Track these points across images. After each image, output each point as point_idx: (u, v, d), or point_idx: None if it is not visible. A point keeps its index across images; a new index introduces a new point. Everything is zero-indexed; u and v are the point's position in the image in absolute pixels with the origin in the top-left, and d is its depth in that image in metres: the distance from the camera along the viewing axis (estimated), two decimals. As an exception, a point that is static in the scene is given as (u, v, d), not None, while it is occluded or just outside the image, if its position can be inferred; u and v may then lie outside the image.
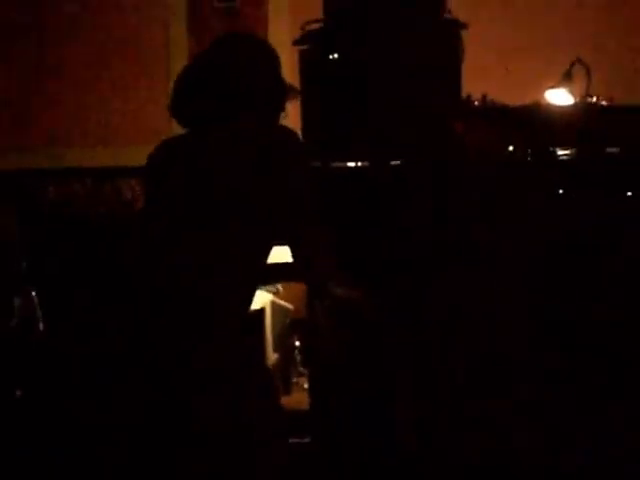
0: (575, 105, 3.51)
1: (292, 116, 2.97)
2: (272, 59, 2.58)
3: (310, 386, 3.59)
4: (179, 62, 5.01)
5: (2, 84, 5.06)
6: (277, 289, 4.13)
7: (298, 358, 4.27)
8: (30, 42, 5.04)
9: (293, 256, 2.39)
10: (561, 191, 3.29)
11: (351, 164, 3.37)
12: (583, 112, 3.42)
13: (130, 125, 4.97)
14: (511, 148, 3.26)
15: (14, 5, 5.11)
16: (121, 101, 4.99)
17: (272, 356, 3.98)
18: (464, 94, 3.33)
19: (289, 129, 2.49)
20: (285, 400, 3.84)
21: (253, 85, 2.48)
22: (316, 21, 3.39)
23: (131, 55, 5.05)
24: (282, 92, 2.57)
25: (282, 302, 4.14)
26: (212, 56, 2.54)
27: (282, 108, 2.58)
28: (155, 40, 5.05)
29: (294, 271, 2.47)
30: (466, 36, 3.30)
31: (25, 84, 5.05)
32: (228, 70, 2.48)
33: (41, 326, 3.68)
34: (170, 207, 2.35)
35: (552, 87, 3.59)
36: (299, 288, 3.62)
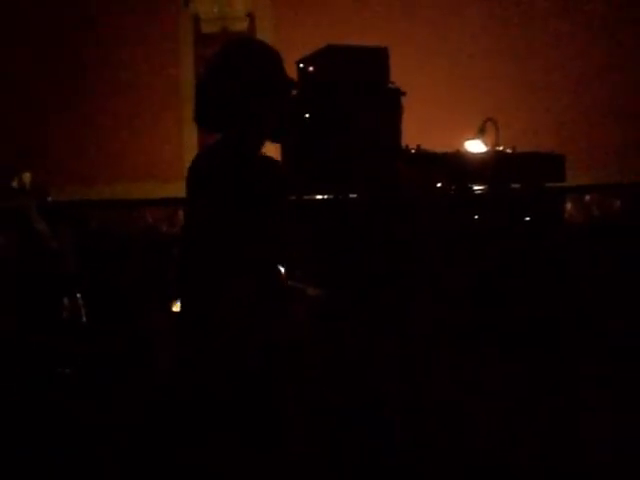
0: (487, 153, 3.91)
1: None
2: (273, 60, 2.44)
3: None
4: (189, 102, 5.64)
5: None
6: None
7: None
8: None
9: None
10: (476, 217, 3.66)
11: (319, 197, 3.58)
12: (493, 158, 3.82)
13: (143, 162, 5.33)
14: (439, 185, 3.66)
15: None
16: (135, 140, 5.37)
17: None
18: (403, 144, 3.64)
19: (273, 160, 2.41)
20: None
21: (252, 89, 2.38)
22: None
23: (144, 95, 5.37)
24: (285, 87, 2.45)
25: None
26: (218, 62, 2.43)
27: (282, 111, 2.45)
28: (167, 80, 5.37)
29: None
30: (406, 100, 3.61)
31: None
32: (228, 75, 2.39)
33: (84, 319, 3.92)
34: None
35: (470, 139, 3.98)
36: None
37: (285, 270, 2.37)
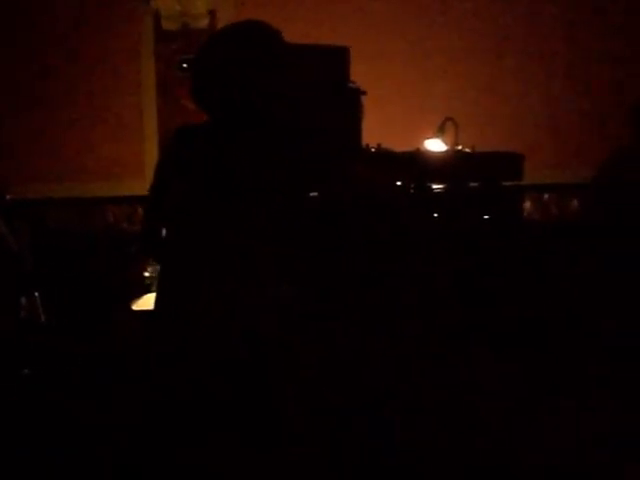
0: (446, 152, 3.95)
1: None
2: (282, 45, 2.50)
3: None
4: (150, 99, 5.48)
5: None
6: None
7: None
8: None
9: None
10: (435, 215, 3.69)
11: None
12: (453, 157, 3.87)
13: (103, 160, 5.23)
14: (399, 183, 3.69)
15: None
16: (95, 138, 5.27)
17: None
18: (364, 143, 3.65)
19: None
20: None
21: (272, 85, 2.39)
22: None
23: (104, 92, 5.27)
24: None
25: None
26: (236, 49, 2.41)
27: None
28: (127, 76, 5.29)
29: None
30: (366, 99, 3.63)
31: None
32: (253, 68, 2.37)
33: (43, 319, 3.88)
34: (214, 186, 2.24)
35: (429, 138, 4.04)
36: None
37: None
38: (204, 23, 5.43)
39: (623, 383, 3.30)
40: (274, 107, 2.45)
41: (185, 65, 5.31)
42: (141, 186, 5.10)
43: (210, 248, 2.27)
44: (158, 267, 3.63)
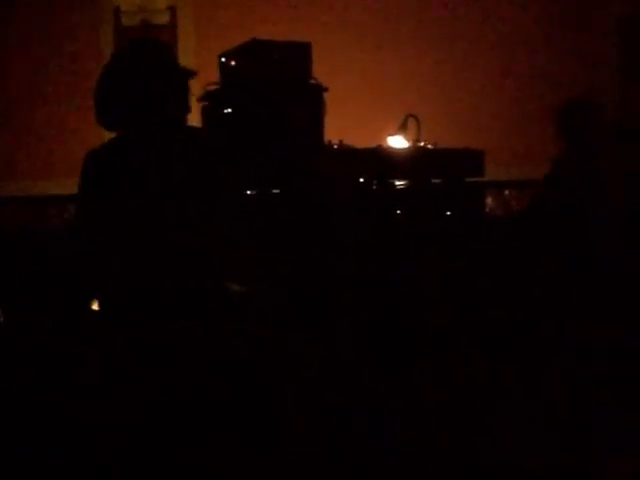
0: (408, 148, 3.91)
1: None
2: (169, 60, 2.55)
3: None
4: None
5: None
6: None
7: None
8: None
9: None
10: (398, 211, 3.70)
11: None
12: (414, 153, 3.85)
13: (61, 158, 5.13)
14: (362, 179, 3.69)
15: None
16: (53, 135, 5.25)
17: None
18: (326, 139, 3.68)
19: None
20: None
21: (159, 87, 2.46)
22: (214, 84, 3.70)
23: (63, 89, 5.25)
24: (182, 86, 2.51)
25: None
26: (121, 66, 2.50)
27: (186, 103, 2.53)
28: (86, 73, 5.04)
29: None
30: (328, 96, 3.66)
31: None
32: (137, 77, 2.46)
33: (1, 319, 3.75)
34: (139, 191, 2.34)
35: (391, 134, 3.98)
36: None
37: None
38: (164, 19, 5.40)
39: (621, 383, 3.27)
40: (173, 109, 2.54)
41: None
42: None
43: (145, 256, 2.33)
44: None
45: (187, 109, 2.55)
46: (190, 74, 2.58)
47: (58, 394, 3.24)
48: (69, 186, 5.07)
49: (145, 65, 2.49)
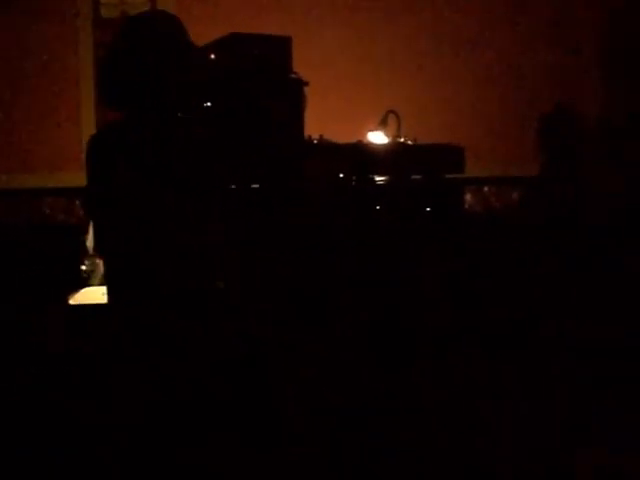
0: (389, 144, 3.92)
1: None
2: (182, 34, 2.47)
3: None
4: (88, 89, 5.36)
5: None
6: None
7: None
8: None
9: None
10: (378, 207, 3.69)
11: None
12: (394, 149, 3.86)
13: (39, 151, 5.14)
14: (341, 175, 3.69)
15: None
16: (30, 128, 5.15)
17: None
18: (306, 134, 3.64)
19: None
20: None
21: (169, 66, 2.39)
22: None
23: (41, 81, 5.16)
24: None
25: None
26: (120, 40, 2.43)
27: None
28: (65, 65, 5.18)
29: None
30: (308, 90, 3.61)
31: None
32: (132, 52, 2.39)
33: None
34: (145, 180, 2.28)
35: (372, 130, 4.01)
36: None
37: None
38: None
39: (621, 383, 3.30)
40: (185, 94, 2.49)
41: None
42: (79, 177, 4.98)
43: (149, 242, 2.26)
44: (97, 260, 3.59)
45: (191, 93, 2.50)
46: (196, 54, 2.54)
47: (58, 394, 3.25)
48: (46, 179, 5.08)
49: (141, 40, 2.41)
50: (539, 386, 3.23)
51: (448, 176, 3.88)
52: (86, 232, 4.03)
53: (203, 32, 3.76)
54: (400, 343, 3.21)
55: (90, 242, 3.96)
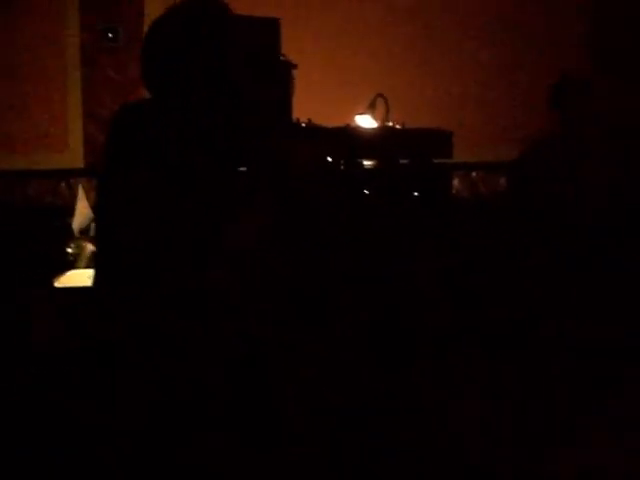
0: (377, 128, 3.98)
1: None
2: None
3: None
4: (74, 69, 5.37)
5: None
6: None
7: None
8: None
9: None
10: (366, 191, 3.65)
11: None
12: (383, 133, 3.89)
13: (24, 133, 5.05)
14: (329, 159, 3.53)
15: None
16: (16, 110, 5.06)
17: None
18: (294, 117, 3.62)
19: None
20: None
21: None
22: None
23: (26, 63, 5.09)
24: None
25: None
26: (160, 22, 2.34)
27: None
28: (51, 46, 5.11)
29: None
30: (297, 73, 3.61)
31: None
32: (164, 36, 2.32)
33: None
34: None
35: (360, 114, 4.05)
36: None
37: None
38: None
39: (621, 383, 3.28)
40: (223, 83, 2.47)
41: (110, 35, 5.17)
42: (65, 159, 4.96)
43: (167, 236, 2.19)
44: (83, 243, 3.56)
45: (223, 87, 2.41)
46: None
47: (58, 394, 3.21)
48: (34, 161, 5.04)
49: (173, 25, 2.31)
50: (539, 386, 3.22)
51: (436, 161, 3.88)
52: (72, 214, 4.01)
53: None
54: (400, 343, 3.19)
55: (76, 225, 3.95)
